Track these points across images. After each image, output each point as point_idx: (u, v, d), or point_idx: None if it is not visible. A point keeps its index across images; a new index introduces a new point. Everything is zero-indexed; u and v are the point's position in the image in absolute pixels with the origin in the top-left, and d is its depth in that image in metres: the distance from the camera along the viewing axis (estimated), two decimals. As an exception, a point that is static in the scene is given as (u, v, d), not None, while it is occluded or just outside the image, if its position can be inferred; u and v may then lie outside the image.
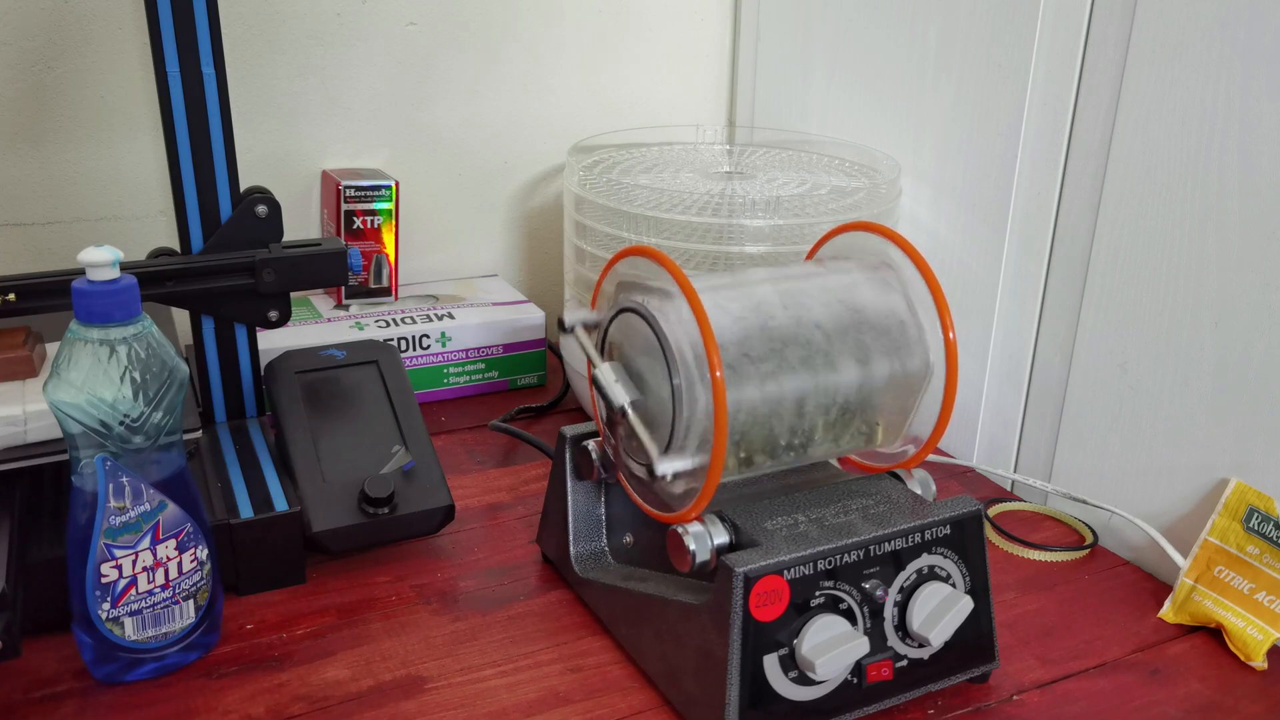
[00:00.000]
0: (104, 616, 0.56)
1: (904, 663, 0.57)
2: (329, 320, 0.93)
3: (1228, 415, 0.67)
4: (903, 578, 0.56)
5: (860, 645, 0.54)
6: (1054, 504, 0.80)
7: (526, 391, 0.97)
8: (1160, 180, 0.69)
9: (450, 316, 0.94)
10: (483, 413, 0.93)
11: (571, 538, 0.66)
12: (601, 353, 0.61)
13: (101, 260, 0.53)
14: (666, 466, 0.54)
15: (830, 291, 0.59)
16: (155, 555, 0.57)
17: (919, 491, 0.60)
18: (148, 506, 0.56)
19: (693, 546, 0.54)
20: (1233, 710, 0.60)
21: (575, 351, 0.89)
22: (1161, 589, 0.70)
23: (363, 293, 0.97)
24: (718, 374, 0.51)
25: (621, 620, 0.62)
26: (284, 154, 0.97)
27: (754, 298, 0.58)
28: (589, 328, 0.61)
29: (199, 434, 0.69)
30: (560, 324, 0.61)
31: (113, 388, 0.53)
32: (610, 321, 0.59)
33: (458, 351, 0.94)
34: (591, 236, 0.84)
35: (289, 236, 0.91)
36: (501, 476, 0.82)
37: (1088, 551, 0.74)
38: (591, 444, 0.63)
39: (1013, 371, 0.82)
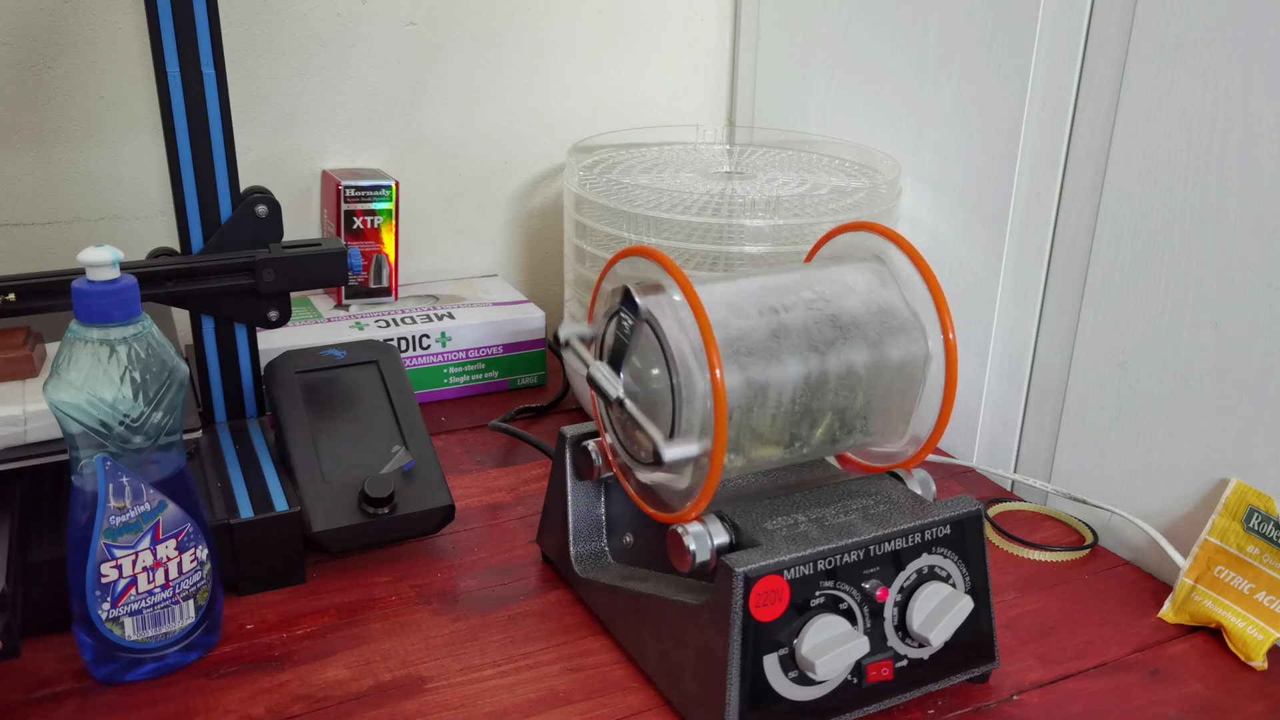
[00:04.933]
0: (104, 616, 0.56)
1: (904, 663, 0.57)
2: (329, 320, 0.93)
3: (1228, 415, 0.67)
4: (903, 578, 0.56)
5: (860, 645, 0.54)
6: (1054, 504, 0.80)
7: (526, 391, 0.97)
8: (1160, 180, 0.69)
9: (450, 316, 0.94)
10: (483, 413, 0.93)
11: (571, 538, 0.66)
12: (602, 352, 0.61)
13: (101, 260, 0.53)
14: (673, 452, 0.54)
15: (829, 289, 0.59)
16: (155, 555, 0.57)
17: (919, 491, 0.60)
18: (148, 506, 0.56)
19: (693, 546, 0.54)
20: (1233, 710, 0.60)
21: (574, 363, 0.89)
22: (1161, 589, 0.70)
23: (363, 293, 0.97)
24: (717, 373, 0.51)
25: (621, 620, 0.62)
26: (284, 154, 0.97)
27: (754, 297, 0.58)
28: (586, 341, 0.61)
29: (199, 434, 0.69)
30: (555, 338, 0.61)
31: (113, 388, 0.53)
32: (610, 321, 0.59)
33: (458, 351, 0.94)
34: (591, 236, 0.84)
35: (289, 236, 0.91)
36: (501, 476, 0.82)
37: (1088, 551, 0.74)
38: (591, 444, 0.63)
39: (1013, 371, 0.82)
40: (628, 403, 0.57)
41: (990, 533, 0.75)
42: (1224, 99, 0.64)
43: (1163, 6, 0.67)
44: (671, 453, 0.54)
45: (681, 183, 0.85)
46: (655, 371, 0.55)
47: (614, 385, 0.57)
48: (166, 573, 0.57)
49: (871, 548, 0.55)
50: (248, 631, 0.63)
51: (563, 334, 0.61)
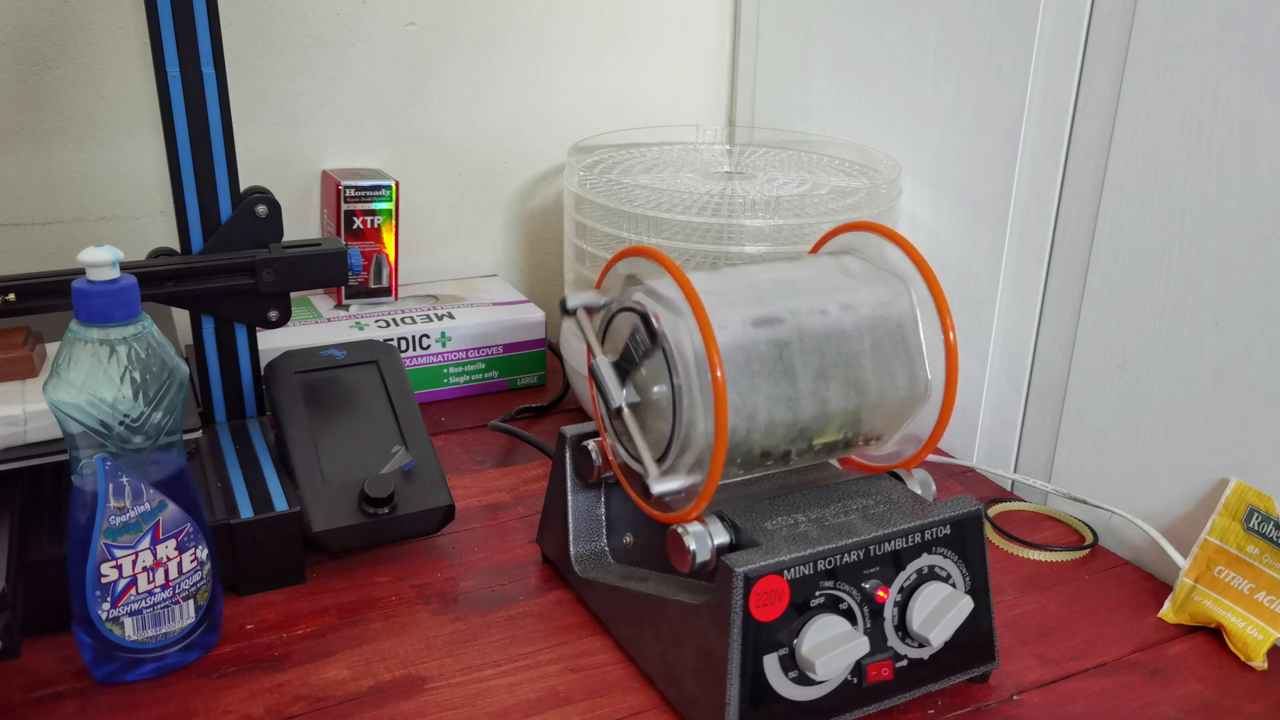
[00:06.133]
0: (104, 616, 0.56)
1: (904, 663, 0.57)
2: (329, 320, 0.93)
3: (1228, 415, 0.67)
4: (903, 578, 0.56)
5: (860, 645, 0.54)
6: (1054, 504, 0.80)
7: (526, 391, 0.97)
8: (1160, 180, 0.69)
9: (450, 316, 0.94)
10: (483, 413, 0.93)
11: (571, 538, 0.66)
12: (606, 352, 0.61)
13: (101, 260, 0.53)
14: (662, 486, 0.55)
15: (832, 295, 0.59)
16: (155, 555, 0.57)
17: (919, 491, 0.60)
18: (148, 506, 0.56)
19: (693, 546, 0.54)
20: (1232, 710, 0.60)
21: (573, 342, 0.89)
22: (1161, 589, 0.70)
23: (363, 293, 0.97)
24: (718, 374, 0.51)
25: (621, 620, 0.62)
26: (284, 154, 0.97)
27: (754, 298, 0.58)
28: (591, 311, 0.61)
29: (199, 434, 0.69)
30: (562, 305, 0.60)
31: (113, 388, 0.53)
32: (610, 320, 0.59)
33: (458, 351, 0.94)
34: (591, 236, 0.84)
35: (289, 236, 0.91)
36: (501, 476, 0.82)
37: (1088, 551, 0.74)
38: (591, 444, 0.63)
39: (1013, 371, 0.82)
40: (627, 412, 0.57)
41: (990, 533, 0.75)
42: (1224, 100, 0.64)
43: (1163, 7, 0.67)
44: (660, 487, 0.55)
45: (681, 183, 0.85)
46: (656, 374, 0.55)
47: (616, 394, 0.57)
48: (166, 573, 0.57)
49: (871, 548, 0.55)
50: (248, 631, 0.63)
51: (570, 302, 0.60)
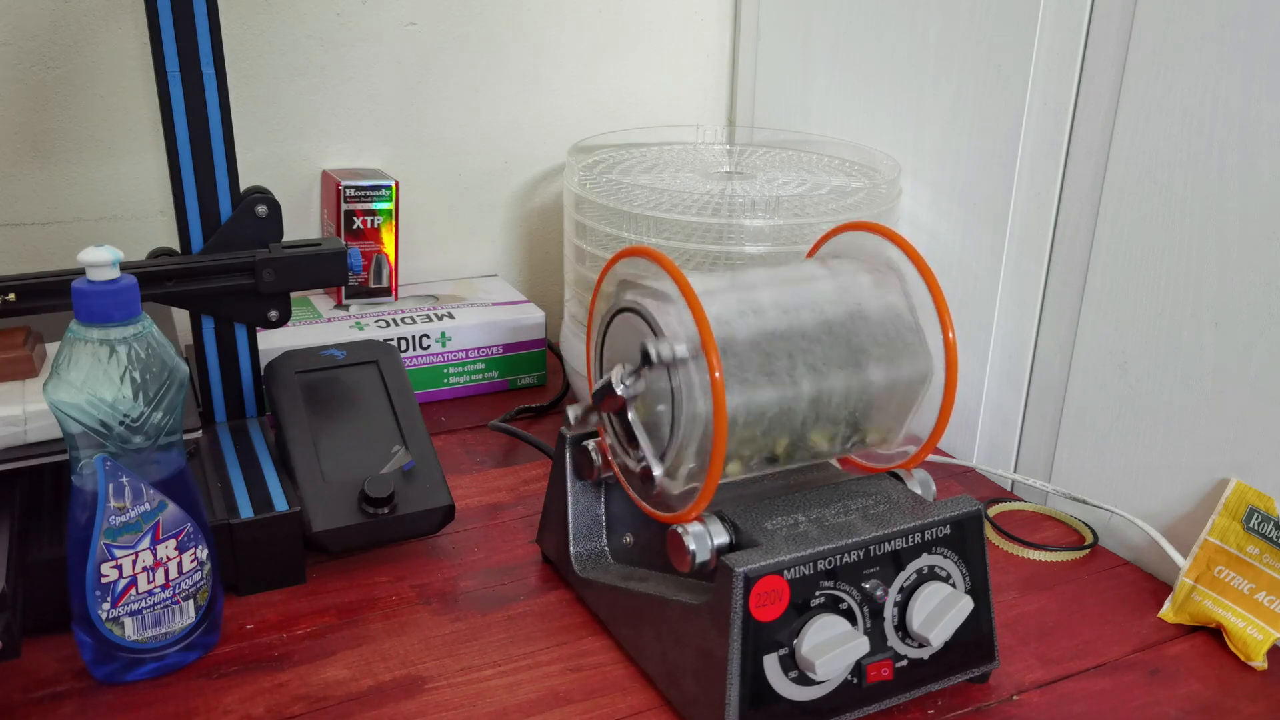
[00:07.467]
0: (104, 616, 0.56)
1: (904, 663, 0.57)
2: (329, 320, 0.93)
3: (1228, 415, 0.67)
4: (903, 578, 0.56)
5: (860, 645, 0.54)
6: (1054, 504, 0.80)
7: (526, 391, 0.97)
8: (1160, 180, 0.69)
9: (450, 316, 0.94)
10: (483, 413, 0.93)
11: (571, 538, 0.66)
12: (601, 355, 0.61)
13: (101, 260, 0.53)
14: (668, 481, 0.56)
15: (830, 293, 0.59)
16: (155, 555, 0.57)
17: (919, 491, 0.60)
18: (148, 506, 0.56)
19: (693, 546, 0.54)
20: (1233, 710, 0.60)
21: (574, 342, 0.89)
22: (1161, 589, 0.70)
23: (363, 293, 0.97)
24: (717, 374, 0.51)
25: (621, 620, 0.62)
26: (284, 154, 0.97)
27: (753, 298, 0.58)
28: (588, 413, 0.62)
29: (199, 434, 0.69)
30: (566, 422, 0.62)
31: (113, 388, 0.53)
32: (610, 321, 0.59)
33: (458, 351, 0.94)
34: (591, 236, 0.84)
35: (289, 236, 0.91)
36: (501, 476, 0.82)
37: (1088, 551, 0.74)
38: (591, 444, 0.63)
39: (1013, 371, 0.82)
40: (630, 415, 0.57)
41: (990, 533, 0.75)
42: (1224, 99, 0.64)
43: (1163, 6, 0.67)
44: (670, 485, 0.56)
45: (681, 183, 0.85)
46: (655, 374, 0.55)
47: (654, 463, 0.58)
48: (166, 573, 0.57)
49: (871, 548, 0.55)
50: (248, 631, 0.63)
51: (572, 416, 0.62)
